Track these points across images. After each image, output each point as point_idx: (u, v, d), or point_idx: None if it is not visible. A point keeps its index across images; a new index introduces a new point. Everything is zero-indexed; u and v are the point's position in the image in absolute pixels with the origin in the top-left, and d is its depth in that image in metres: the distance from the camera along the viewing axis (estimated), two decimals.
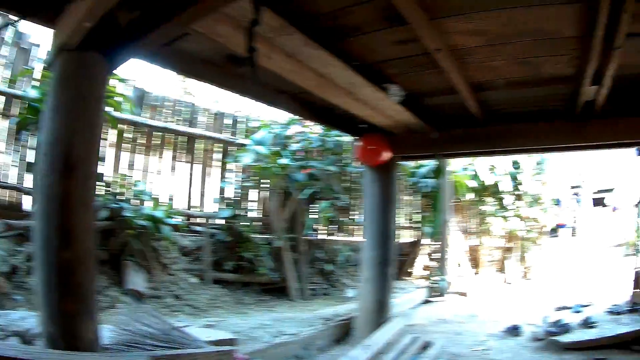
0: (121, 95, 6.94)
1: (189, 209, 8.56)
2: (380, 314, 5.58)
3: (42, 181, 2.79)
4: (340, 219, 10.00)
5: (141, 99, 8.15)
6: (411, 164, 10.09)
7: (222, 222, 8.39)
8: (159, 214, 6.87)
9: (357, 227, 10.32)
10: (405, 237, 11.23)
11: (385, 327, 5.26)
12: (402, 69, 4.09)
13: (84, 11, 2.47)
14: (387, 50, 3.74)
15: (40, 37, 7.04)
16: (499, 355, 5.22)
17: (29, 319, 3.90)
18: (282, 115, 8.93)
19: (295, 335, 5.46)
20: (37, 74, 6.81)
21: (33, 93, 6.14)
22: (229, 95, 10.48)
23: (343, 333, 5.82)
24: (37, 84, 6.46)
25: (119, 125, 7.52)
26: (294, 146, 8.54)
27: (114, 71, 3.13)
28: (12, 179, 6.63)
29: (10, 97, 6.51)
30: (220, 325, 5.71)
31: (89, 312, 2.83)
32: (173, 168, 8.49)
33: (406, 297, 8.13)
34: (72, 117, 2.77)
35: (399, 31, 3.34)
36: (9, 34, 6.80)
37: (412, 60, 3.88)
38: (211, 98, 11.97)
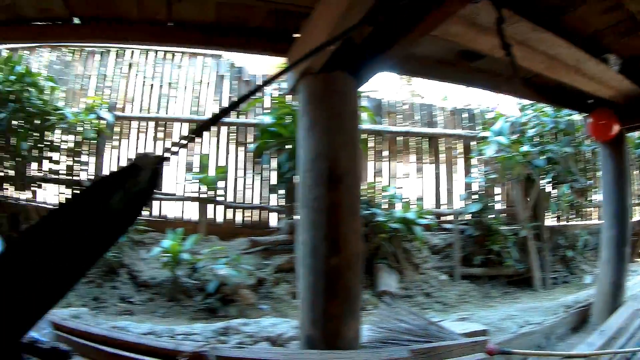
0: (362, 107, 7.26)
1: (437, 207, 8.61)
2: (616, 297, 5.15)
3: (308, 195, 3.04)
4: (579, 201, 9.14)
5: (379, 108, 8.41)
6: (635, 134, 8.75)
7: (470, 217, 8.26)
8: (410, 215, 7.02)
9: (594, 208, 9.36)
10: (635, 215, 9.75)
11: (618, 311, 4.79)
12: (613, 37, 3.78)
13: (323, 36, 2.62)
14: (597, 21, 3.53)
15: (254, 69, 7.89)
16: None
17: (279, 325, 4.32)
18: (514, 103, 8.45)
19: (539, 324, 5.21)
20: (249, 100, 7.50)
21: (267, 119, 6.76)
22: (457, 91, 10.25)
23: (581, 320, 5.43)
24: (267, 110, 7.10)
25: (363, 136, 7.87)
26: (530, 132, 8.04)
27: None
28: (256, 200, 7.50)
29: (244, 127, 7.29)
30: (471, 319, 5.67)
31: (353, 313, 3.04)
32: (419, 170, 8.60)
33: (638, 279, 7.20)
34: (333, 133, 3.00)
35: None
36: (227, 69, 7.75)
37: (621, 27, 3.60)
38: (439, 96, 11.75)
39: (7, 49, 7.97)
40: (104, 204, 1.92)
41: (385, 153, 8.39)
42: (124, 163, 7.69)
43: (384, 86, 10.23)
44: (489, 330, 4.59)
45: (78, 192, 1.94)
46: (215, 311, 5.67)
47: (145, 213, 7.03)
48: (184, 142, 2.20)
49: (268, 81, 2.60)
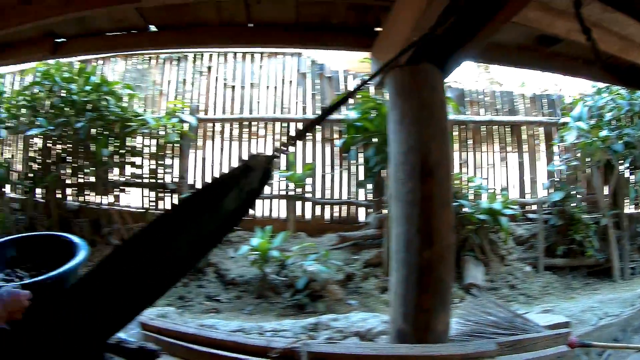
0: (446, 98, 7.19)
1: (521, 197, 8.47)
2: None
3: (401, 188, 3.05)
4: None
5: (461, 98, 8.34)
6: None
7: (553, 206, 8.09)
8: (496, 206, 6.90)
9: None
10: None
11: None
12: None
13: (407, 28, 2.67)
14: None
15: (335, 65, 7.89)
16: None
17: (369, 319, 4.32)
18: (588, 87, 8.28)
19: (617, 316, 5.13)
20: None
21: (352, 115, 6.75)
22: (535, 76, 10.13)
23: None
24: (352, 106, 7.09)
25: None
26: (607, 116, 7.88)
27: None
28: (344, 195, 7.52)
29: (330, 123, 7.31)
30: (554, 311, 5.56)
31: (444, 306, 3.05)
32: (502, 159, 8.48)
33: None
34: (423, 125, 3.01)
35: None
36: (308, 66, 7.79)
37: None
38: (517, 83, 11.66)
39: (80, 60, 8.10)
40: (218, 204, 2.02)
41: (470, 143, 8.29)
42: (211, 164, 8.00)
43: (464, 75, 10.18)
44: (570, 323, 4.50)
45: (192, 193, 2.10)
46: (303, 307, 5.69)
47: None
48: (292, 142, 2.23)
49: (372, 76, 2.60)
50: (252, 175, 2.04)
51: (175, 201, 7.85)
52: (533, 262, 7.40)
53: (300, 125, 7.67)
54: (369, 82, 2.57)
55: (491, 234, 7.12)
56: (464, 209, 6.74)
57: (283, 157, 7.71)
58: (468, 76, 11.44)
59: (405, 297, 3.02)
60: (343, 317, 4.52)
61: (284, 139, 7.50)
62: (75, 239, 2.88)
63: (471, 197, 7.43)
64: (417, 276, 2.96)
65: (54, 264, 2.56)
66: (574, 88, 9.17)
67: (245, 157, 2.06)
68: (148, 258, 1.95)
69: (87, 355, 2.39)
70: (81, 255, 2.61)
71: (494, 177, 8.38)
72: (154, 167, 7.92)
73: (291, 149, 7.57)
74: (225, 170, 7.85)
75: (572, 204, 7.86)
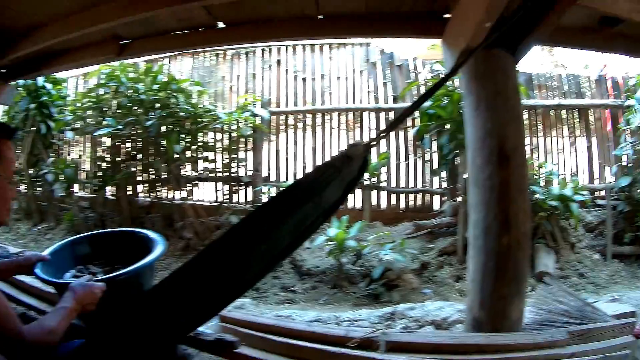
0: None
1: (590, 182, 8.34)
2: None
3: (479, 174, 3.01)
4: None
5: (529, 82, 8.26)
6: None
7: (621, 192, 8.00)
8: (567, 192, 6.82)
9: None
10: None
11: None
12: None
13: (480, 12, 2.63)
14: None
15: (403, 53, 7.89)
16: None
17: (445, 308, 4.30)
18: None
19: None
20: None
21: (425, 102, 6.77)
22: (599, 58, 10.00)
23: None
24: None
25: None
26: None
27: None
28: (419, 184, 7.54)
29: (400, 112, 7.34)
30: (621, 300, 5.41)
31: (520, 293, 3.01)
32: (571, 144, 8.37)
33: None
34: (498, 110, 2.98)
35: None
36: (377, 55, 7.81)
37: None
38: (581, 65, 11.53)
39: (145, 60, 8.33)
40: (320, 193, 2.04)
41: (540, 128, 8.21)
42: (285, 157, 8.11)
43: (530, 59, 10.10)
44: (636, 312, 4.32)
45: (293, 183, 2.16)
46: (378, 297, 5.70)
47: None
48: (387, 131, 2.25)
49: (462, 62, 2.57)
50: (352, 165, 2.06)
51: (250, 194, 8.00)
52: (602, 250, 7.28)
53: (372, 115, 7.75)
54: (460, 67, 2.54)
55: (562, 220, 7.04)
56: (536, 196, 6.66)
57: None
58: (534, 60, 11.37)
59: (482, 284, 3.00)
60: (419, 306, 4.52)
61: (367, 129, 7.75)
62: (152, 234, 2.92)
63: (543, 183, 7.36)
64: (494, 263, 2.94)
65: (130, 260, 2.60)
66: (638, 69, 9.06)
67: (345, 146, 2.14)
68: (247, 249, 1.97)
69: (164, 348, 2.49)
70: (157, 251, 2.64)
71: (563, 162, 8.28)
72: (227, 161, 8.07)
73: (363, 138, 7.64)
74: (308, 162, 8.04)
75: (638, 190, 7.80)
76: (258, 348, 2.63)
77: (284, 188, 2.36)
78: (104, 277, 2.43)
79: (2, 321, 1.76)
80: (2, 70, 5.27)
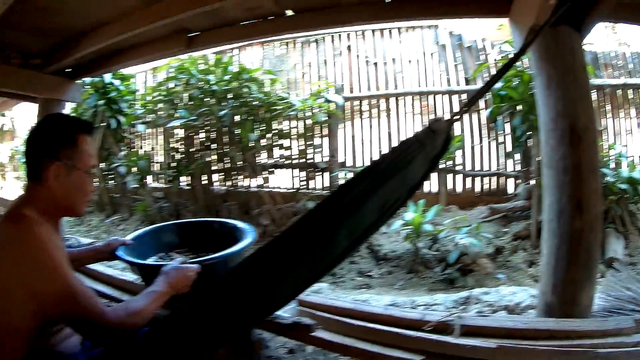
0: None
1: None
2: None
3: (552, 155, 2.96)
4: None
5: (595, 61, 8.10)
6: None
7: None
8: (637, 175, 6.62)
9: None
10: None
11: None
12: None
13: None
14: None
15: (471, 35, 7.89)
16: None
17: (518, 293, 4.22)
18: None
19: None
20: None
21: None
22: None
23: None
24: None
25: None
26: None
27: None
28: (493, 166, 7.49)
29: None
30: None
31: (590, 279, 2.95)
32: (639, 125, 8.15)
33: None
34: (568, 90, 2.92)
35: None
36: (446, 39, 7.88)
37: None
38: None
39: (215, 52, 8.52)
40: (406, 168, 2.02)
41: (608, 109, 8.01)
42: (361, 142, 8.15)
43: (594, 37, 9.95)
44: None
45: (379, 158, 2.03)
46: (453, 282, 5.71)
47: None
48: (465, 109, 2.21)
49: (527, 45, 2.54)
50: (436, 139, 2.05)
51: (327, 180, 8.09)
52: None
53: (445, 98, 7.72)
54: (530, 45, 2.50)
55: (630, 205, 6.86)
56: (606, 179, 6.48)
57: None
58: (598, 38, 11.20)
59: (555, 268, 2.96)
60: (493, 291, 4.48)
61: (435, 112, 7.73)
62: (241, 224, 2.97)
63: (612, 165, 7.21)
64: (567, 247, 2.90)
65: (216, 249, 2.64)
66: None
67: (427, 123, 2.10)
68: (331, 228, 1.94)
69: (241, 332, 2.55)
70: (248, 239, 2.68)
71: (632, 144, 8.04)
72: (302, 147, 8.20)
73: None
74: (384, 147, 8.06)
75: None
76: (334, 331, 2.67)
77: (368, 164, 2.32)
78: (198, 259, 2.48)
79: (82, 302, 1.82)
80: (67, 70, 5.50)
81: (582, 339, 2.36)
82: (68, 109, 7.73)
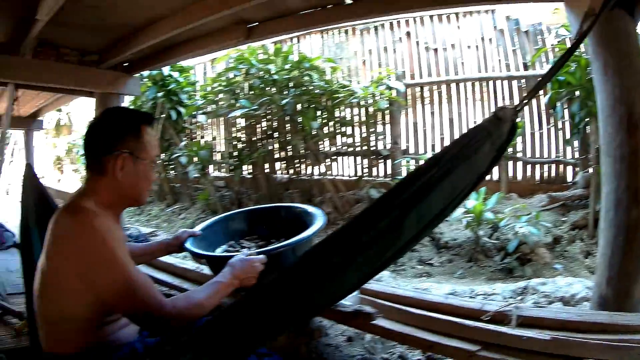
0: None
1: None
2: None
3: (610, 143, 2.87)
4: None
5: None
6: None
7: None
8: None
9: None
10: None
11: None
12: None
13: None
14: None
15: (529, 19, 7.79)
16: None
17: (574, 285, 4.23)
18: None
19: None
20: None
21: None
22: None
23: None
24: (552, 60, 7.05)
25: None
26: None
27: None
28: (553, 154, 7.40)
29: (534, 80, 7.23)
30: None
31: None
32: None
33: None
34: (625, 75, 2.83)
35: None
36: (504, 23, 7.86)
37: None
38: None
39: (274, 42, 8.73)
40: (473, 156, 1.97)
41: None
42: (423, 128, 8.13)
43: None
44: None
45: (446, 147, 1.99)
46: (511, 271, 5.70)
47: None
48: (530, 96, 2.15)
49: (589, 28, 2.43)
50: (502, 127, 2.00)
51: (389, 167, 8.16)
52: None
53: (505, 83, 7.65)
54: (590, 30, 2.39)
55: None
56: None
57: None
58: None
59: (611, 260, 2.88)
60: (550, 282, 4.48)
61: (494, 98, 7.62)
62: (311, 208, 2.92)
63: None
64: (623, 237, 2.82)
65: (286, 235, 2.67)
66: None
67: (493, 110, 2.03)
68: (400, 215, 1.87)
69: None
70: (317, 224, 2.62)
71: None
72: (365, 135, 8.26)
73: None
74: (446, 133, 8.04)
75: None
76: (394, 320, 2.67)
77: (436, 152, 2.31)
78: (264, 249, 2.46)
79: (140, 293, 1.84)
80: (124, 64, 5.70)
81: (631, 334, 2.29)
82: (126, 102, 7.97)
